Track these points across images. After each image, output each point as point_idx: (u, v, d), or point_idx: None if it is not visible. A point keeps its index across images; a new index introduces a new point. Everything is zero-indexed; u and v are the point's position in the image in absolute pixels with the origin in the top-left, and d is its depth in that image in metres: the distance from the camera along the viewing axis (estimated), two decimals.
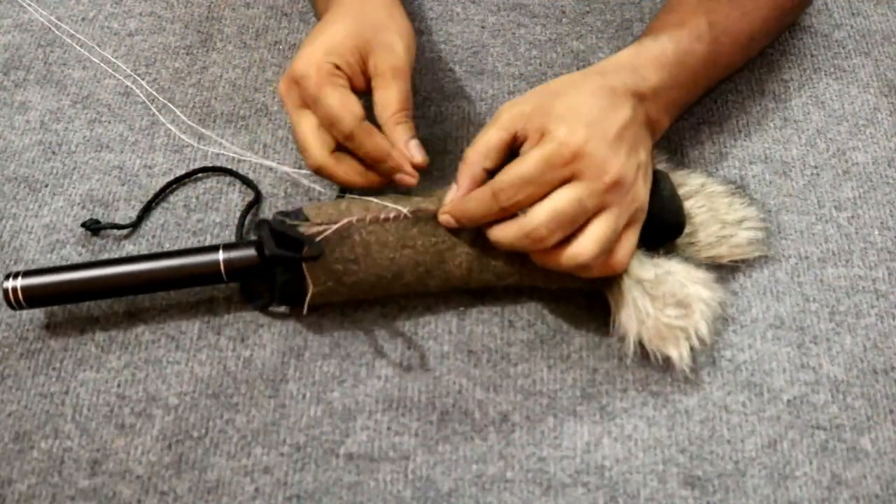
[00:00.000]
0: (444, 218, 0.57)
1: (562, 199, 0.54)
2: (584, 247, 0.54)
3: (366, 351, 0.60)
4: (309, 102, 0.59)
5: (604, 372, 0.59)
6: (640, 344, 0.57)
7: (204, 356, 0.60)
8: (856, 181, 0.68)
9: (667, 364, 0.58)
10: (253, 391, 0.59)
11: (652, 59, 0.61)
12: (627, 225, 0.56)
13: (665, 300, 0.56)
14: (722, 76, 0.69)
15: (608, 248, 0.55)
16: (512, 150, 0.57)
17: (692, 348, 0.57)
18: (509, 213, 0.56)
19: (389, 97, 0.59)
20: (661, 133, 0.62)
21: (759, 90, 0.72)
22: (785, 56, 0.74)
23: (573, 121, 0.55)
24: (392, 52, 0.60)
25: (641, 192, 0.56)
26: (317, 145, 0.59)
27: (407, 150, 0.59)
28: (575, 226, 0.54)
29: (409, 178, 0.60)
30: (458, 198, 0.57)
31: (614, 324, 0.58)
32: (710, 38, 0.63)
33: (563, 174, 0.54)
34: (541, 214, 0.54)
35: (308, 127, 0.59)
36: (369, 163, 0.60)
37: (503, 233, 0.56)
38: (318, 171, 0.60)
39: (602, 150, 0.54)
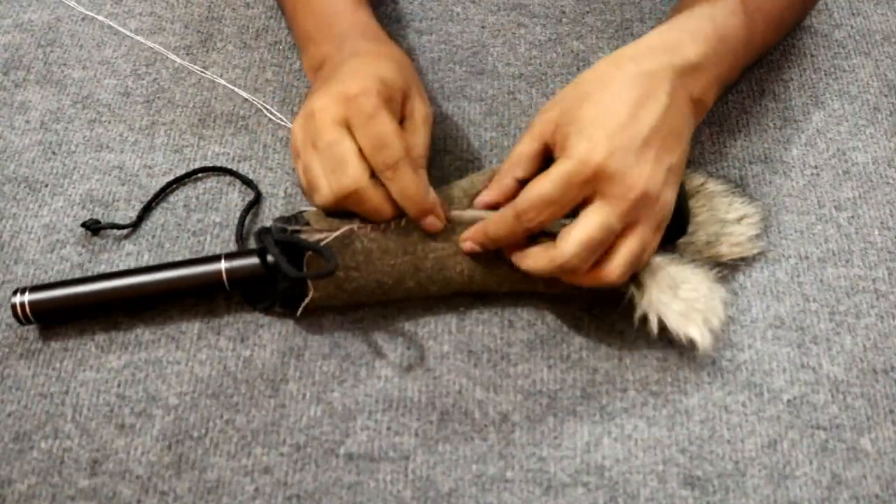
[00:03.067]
0: (467, 245, 0.57)
1: (590, 227, 0.53)
2: (614, 269, 0.54)
3: (366, 351, 0.60)
4: (358, 122, 0.55)
5: (604, 372, 0.59)
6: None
7: (204, 356, 0.60)
8: (856, 181, 0.68)
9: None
10: (253, 391, 0.59)
11: (690, 34, 0.58)
12: (653, 230, 0.55)
13: (677, 283, 0.56)
14: (756, 57, 0.66)
15: (638, 263, 0.55)
16: (546, 156, 0.57)
17: (711, 331, 0.57)
18: (533, 233, 0.55)
19: (419, 141, 0.58)
20: (705, 111, 0.60)
21: (759, 90, 0.72)
22: (785, 56, 0.74)
23: (594, 132, 0.53)
24: (426, 102, 0.61)
25: (669, 199, 0.55)
26: (360, 164, 0.55)
27: (426, 195, 0.57)
28: (605, 248, 0.54)
29: (438, 223, 0.58)
30: (478, 226, 0.57)
31: (636, 310, 0.57)
32: (745, 15, 0.61)
33: (584, 192, 0.53)
34: (572, 246, 0.53)
35: (351, 146, 0.56)
36: (397, 199, 0.56)
37: (534, 263, 0.55)
38: (349, 197, 0.56)
39: (626, 164, 0.53)
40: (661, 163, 0.54)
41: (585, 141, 0.53)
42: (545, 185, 0.54)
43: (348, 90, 0.56)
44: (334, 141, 0.55)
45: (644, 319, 0.57)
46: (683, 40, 0.57)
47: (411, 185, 0.56)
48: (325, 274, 0.55)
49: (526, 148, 0.57)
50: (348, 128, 0.56)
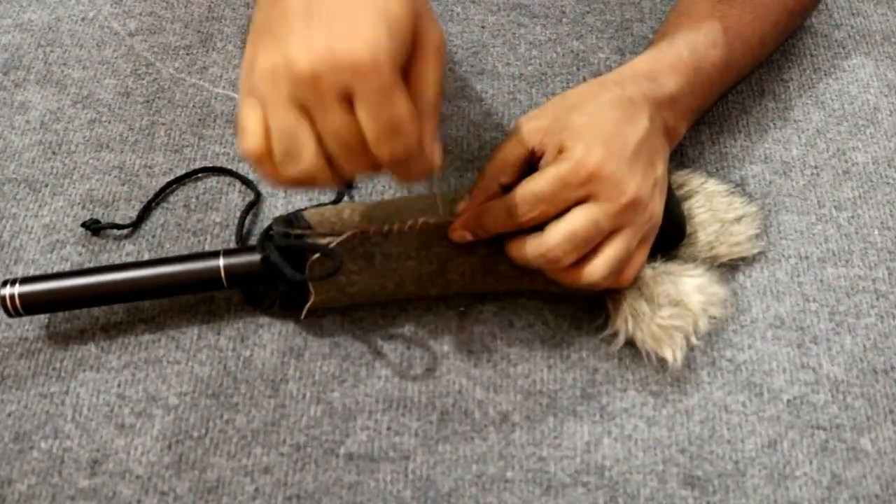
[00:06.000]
0: (458, 234, 0.57)
1: (578, 221, 0.53)
2: (596, 268, 0.54)
3: (366, 351, 0.60)
4: (366, 103, 0.43)
5: (604, 372, 0.59)
6: (635, 344, 0.58)
7: (204, 356, 0.60)
8: (856, 181, 0.68)
9: (662, 364, 0.58)
10: (253, 391, 0.59)
11: (669, 65, 0.60)
12: (640, 242, 0.56)
13: (659, 301, 0.57)
14: (735, 81, 0.68)
15: (620, 268, 0.55)
16: (530, 163, 0.57)
17: (691, 348, 0.58)
18: (523, 228, 0.55)
19: (432, 79, 0.46)
20: (677, 140, 0.62)
21: (759, 90, 0.72)
22: (785, 56, 0.74)
23: (590, 138, 0.54)
24: (436, 23, 0.47)
25: (657, 209, 0.56)
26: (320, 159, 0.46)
27: (432, 153, 0.47)
28: (590, 246, 0.54)
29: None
30: (471, 212, 0.57)
31: (609, 325, 0.59)
32: (725, 43, 0.63)
33: (578, 194, 0.53)
34: (556, 236, 0.53)
35: (354, 129, 0.45)
36: (389, 167, 0.47)
37: (519, 250, 0.56)
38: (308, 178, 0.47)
39: (619, 169, 0.53)
40: (648, 175, 0.55)
41: (582, 144, 0.54)
42: (539, 182, 0.54)
43: (355, 55, 0.42)
44: (342, 125, 0.44)
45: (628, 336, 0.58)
46: (662, 71, 0.60)
47: (420, 173, 0.48)
48: (328, 274, 0.55)
49: (511, 154, 0.57)
50: (349, 102, 0.43)
